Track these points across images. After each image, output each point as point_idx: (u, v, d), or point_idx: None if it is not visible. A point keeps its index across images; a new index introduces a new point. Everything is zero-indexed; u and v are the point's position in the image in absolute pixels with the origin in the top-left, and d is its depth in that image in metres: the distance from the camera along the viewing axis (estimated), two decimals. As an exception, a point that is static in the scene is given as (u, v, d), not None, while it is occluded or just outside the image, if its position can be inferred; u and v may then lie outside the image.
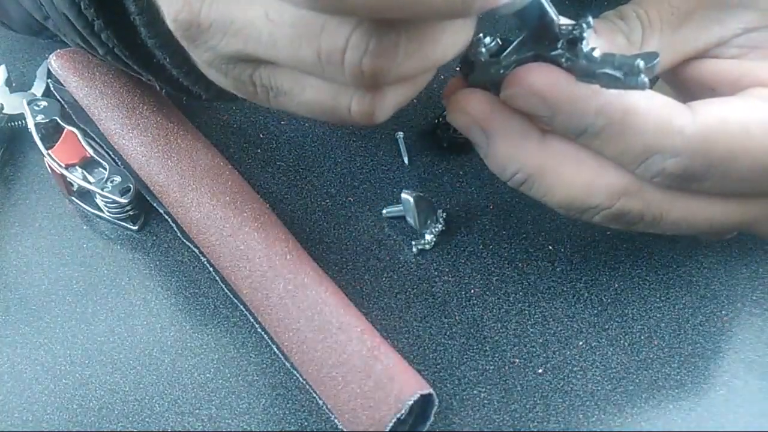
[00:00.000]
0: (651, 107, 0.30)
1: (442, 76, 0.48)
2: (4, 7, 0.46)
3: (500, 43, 0.32)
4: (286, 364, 0.35)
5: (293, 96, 0.29)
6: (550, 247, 0.40)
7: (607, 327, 0.37)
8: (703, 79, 0.35)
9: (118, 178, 0.41)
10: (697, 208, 0.32)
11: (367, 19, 0.24)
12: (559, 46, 0.30)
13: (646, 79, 0.28)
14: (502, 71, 0.31)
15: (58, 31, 0.40)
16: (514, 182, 0.33)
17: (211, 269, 0.39)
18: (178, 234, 0.40)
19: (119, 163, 0.42)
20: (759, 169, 0.30)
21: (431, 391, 0.32)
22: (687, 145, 0.30)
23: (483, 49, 0.32)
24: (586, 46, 0.29)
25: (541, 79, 0.30)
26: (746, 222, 0.33)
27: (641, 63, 0.27)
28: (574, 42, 0.30)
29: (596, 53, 0.29)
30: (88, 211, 0.42)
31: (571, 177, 0.32)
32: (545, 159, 0.32)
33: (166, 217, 0.40)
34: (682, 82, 0.36)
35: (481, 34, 0.32)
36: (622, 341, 0.37)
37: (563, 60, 0.30)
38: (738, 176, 0.30)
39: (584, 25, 0.30)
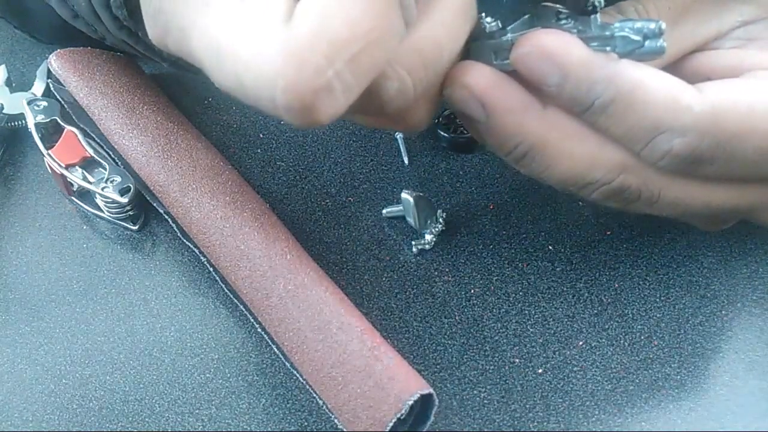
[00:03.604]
0: (659, 83, 0.29)
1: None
2: (29, 13, 0.47)
3: (500, 25, 0.31)
4: (286, 364, 0.35)
5: None
6: (550, 247, 0.40)
7: (607, 327, 0.37)
8: (700, 70, 0.34)
9: (118, 178, 0.41)
10: (695, 191, 0.32)
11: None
12: (568, 20, 0.30)
13: (665, 44, 0.27)
14: (509, 37, 0.31)
15: (88, 29, 0.41)
16: (515, 156, 0.32)
17: (211, 269, 0.39)
18: (178, 234, 0.40)
19: (119, 163, 0.42)
20: (763, 151, 0.30)
21: (431, 391, 0.32)
22: (696, 122, 0.29)
23: (485, 24, 0.31)
24: (598, 18, 0.29)
25: (555, 41, 0.29)
26: (744, 208, 0.33)
27: (663, 24, 0.27)
28: (586, 13, 0.29)
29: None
30: (88, 211, 0.42)
31: (572, 150, 0.31)
32: (547, 131, 0.31)
33: (166, 217, 0.40)
34: (678, 75, 0.35)
35: (483, 13, 0.32)
36: (622, 341, 0.37)
37: (574, 32, 0.29)
38: (743, 158, 0.30)
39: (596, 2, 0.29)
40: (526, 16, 0.31)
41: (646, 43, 0.27)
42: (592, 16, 0.29)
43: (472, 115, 0.31)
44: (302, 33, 0.24)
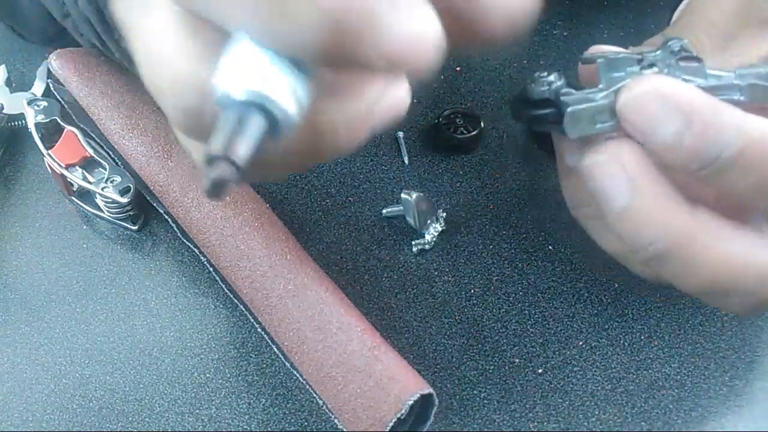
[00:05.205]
0: None
1: (442, 76, 0.48)
2: (20, 13, 0.46)
3: (565, 81, 0.28)
4: (286, 364, 0.35)
5: None
6: (550, 247, 0.40)
7: (607, 327, 0.37)
8: None
9: (118, 178, 0.41)
10: None
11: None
12: (659, 67, 0.27)
13: None
14: (606, 93, 0.27)
15: (75, 31, 0.40)
16: (648, 253, 0.27)
17: (211, 269, 0.39)
18: (178, 234, 0.40)
19: (119, 163, 0.42)
20: None
21: (431, 391, 0.32)
22: None
23: (548, 82, 0.28)
24: (706, 66, 0.26)
25: (672, 84, 0.25)
26: None
27: None
28: (694, 60, 0.26)
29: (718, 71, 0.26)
30: (88, 211, 0.42)
31: (720, 253, 0.26)
32: (695, 229, 0.26)
33: (166, 217, 0.40)
34: None
35: (545, 72, 0.28)
36: (622, 341, 0.37)
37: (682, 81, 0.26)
38: None
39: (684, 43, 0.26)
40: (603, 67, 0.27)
41: None
42: (698, 64, 0.26)
43: (610, 194, 0.27)
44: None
